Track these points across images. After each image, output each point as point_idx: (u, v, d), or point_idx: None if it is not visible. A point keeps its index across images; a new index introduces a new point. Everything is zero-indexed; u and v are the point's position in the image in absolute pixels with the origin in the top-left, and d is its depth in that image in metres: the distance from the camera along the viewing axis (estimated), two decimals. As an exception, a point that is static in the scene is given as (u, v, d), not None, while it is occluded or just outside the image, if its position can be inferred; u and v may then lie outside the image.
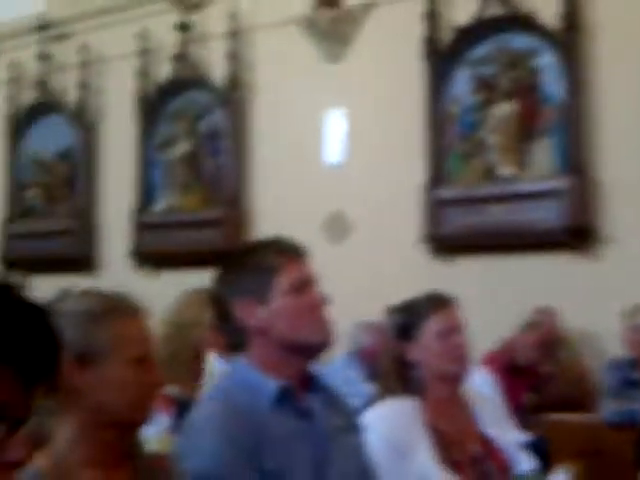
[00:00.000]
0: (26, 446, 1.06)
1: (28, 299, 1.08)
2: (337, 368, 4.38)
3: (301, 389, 2.07)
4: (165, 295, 3.13)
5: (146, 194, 6.22)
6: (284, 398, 2.02)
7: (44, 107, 6.73)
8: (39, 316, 1.08)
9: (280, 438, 1.97)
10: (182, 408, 3.02)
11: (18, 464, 1.06)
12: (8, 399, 1.04)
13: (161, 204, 6.19)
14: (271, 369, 2.02)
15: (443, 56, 5.66)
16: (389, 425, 2.50)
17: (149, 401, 1.76)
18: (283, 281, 2.03)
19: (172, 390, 3.16)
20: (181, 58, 6.14)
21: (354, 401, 3.34)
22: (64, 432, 1.73)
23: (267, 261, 2.05)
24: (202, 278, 3.84)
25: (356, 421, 2.24)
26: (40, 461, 1.70)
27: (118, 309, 1.75)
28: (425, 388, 2.61)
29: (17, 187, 6.79)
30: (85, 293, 1.84)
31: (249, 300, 2.02)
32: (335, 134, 5.72)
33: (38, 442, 1.76)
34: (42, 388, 1.08)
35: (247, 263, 2.08)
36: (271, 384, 2.01)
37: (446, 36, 5.67)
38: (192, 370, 3.30)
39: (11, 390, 1.04)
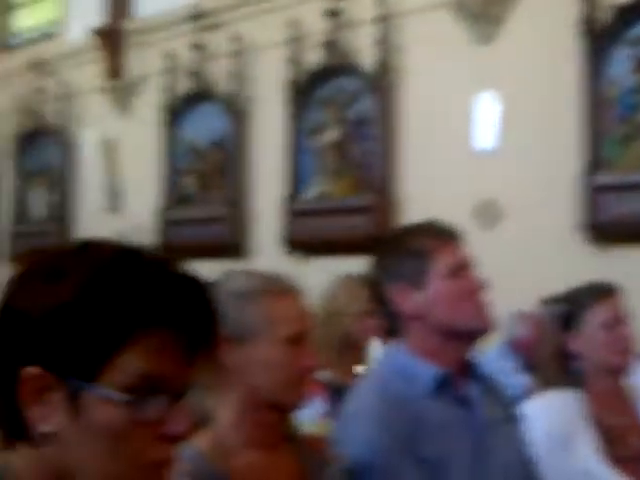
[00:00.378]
0: (187, 420, 1.06)
1: (188, 271, 1.09)
2: (491, 358, 4.29)
3: (459, 376, 2.02)
4: (315, 282, 3.13)
5: (296, 181, 6.27)
6: (442, 385, 1.97)
7: (198, 96, 6.89)
8: (199, 287, 1.09)
9: (438, 426, 1.93)
10: (336, 394, 3.02)
11: (179, 438, 1.06)
12: (170, 370, 1.05)
13: (311, 191, 6.22)
14: (428, 355, 1.97)
15: (601, 36, 5.43)
16: (550, 417, 2.42)
17: (302, 383, 1.74)
18: (439, 265, 1.98)
19: (325, 376, 3.17)
20: (330, 45, 6.15)
21: (508, 392, 3.26)
22: (224, 413, 1.74)
23: (423, 245, 2.01)
24: (352, 265, 3.84)
25: (516, 411, 2.17)
26: (201, 441, 1.72)
27: (270, 288, 1.74)
28: (587, 380, 2.51)
29: (173, 175, 6.98)
30: (240, 273, 1.85)
31: (405, 285, 1.99)
32: (486, 118, 5.60)
33: (197, 418, 1.79)
34: (201, 361, 1.09)
35: (402, 247, 2.04)
36: (429, 371, 1.96)
37: (604, 15, 5.44)
38: (344, 357, 3.29)
39: (173, 361, 1.05)
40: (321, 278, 3.63)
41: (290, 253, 6.26)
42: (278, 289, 1.75)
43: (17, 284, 1.08)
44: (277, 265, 5.50)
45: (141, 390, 1.03)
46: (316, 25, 6.22)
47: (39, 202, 8.12)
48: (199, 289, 1.08)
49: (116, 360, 1.03)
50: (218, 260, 6.04)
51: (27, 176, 8.20)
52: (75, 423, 1.03)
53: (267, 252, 6.38)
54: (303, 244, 6.20)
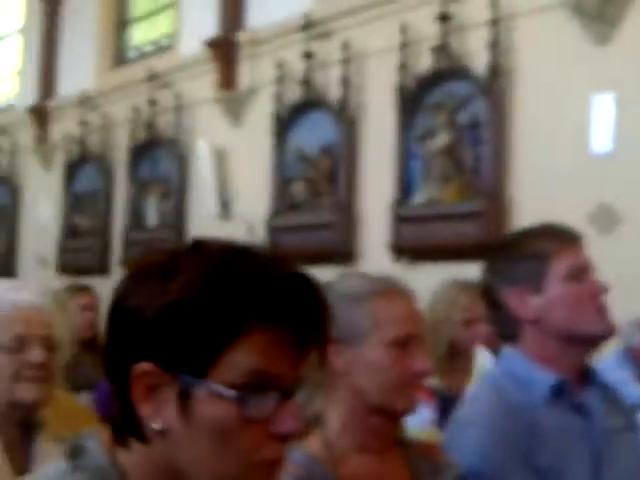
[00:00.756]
0: (297, 419, 1.04)
1: (298, 269, 1.08)
2: (608, 366, 4.16)
3: (577, 383, 1.95)
4: (423, 288, 3.09)
5: (405, 187, 6.23)
6: (559, 393, 1.91)
7: (308, 104, 6.93)
8: (310, 284, 1.08)
9: (554, 434, 1.87)
10: (443, 402, 2.98)
11: (289, 437, 1.05)
12: (280, 367, 1.04)
13: (420, 197, 6.17)
14: (545, 361, 1.91)
15: None
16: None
17: (411, 388, 1.70)
18: (559, 267, 1.92)
19: (434, 383, 3.13)
20: (441, 49, 6.08)
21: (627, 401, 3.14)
22: (334, 416, 1.73)
23: (541, 247, 1.95)
24: (461, 271, 3.77)
25: (636, 421, 2.08)
26: (311, 444, 1.71)
27: (378, 290, 1.71)
28: None
29: (283, 182, 7.04)
30: (351, 275, 1.84)
31: (522, 289, 1.93)
32: (603, 120, 5.43)
33: (308, 419, 1.78)
34: (311, 359, 1.07)
35: (520, 250, 1.99)
36: (546, 377, 1.90)
37: None
38: (451, 365, 3.24)
39: (283, 358, 1.04)
40: (429, 285, 3.59)
41: (398, 259, 6.22)
42: (385, 291, 1.72)
43: (129, 284, 1.10)
44: (384, 271, 5.43)
45: (251, 387, 1.02)
46: (427, 30, 6.17)
47: (153, 211, 8.32)
48: (310, 286, 1.07)
49: (227, 356, 1.02)
50: (327, 266, 6.06)
51: (141, 185, 8.41)
52: (186, 420, 1.03)
53: (375, 258, 6.35)
54: (411, 250, 6.15)
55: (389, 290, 1.72)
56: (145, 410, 1.05)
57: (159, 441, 1.05)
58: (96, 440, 1.11)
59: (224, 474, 1.04)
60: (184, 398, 1.03)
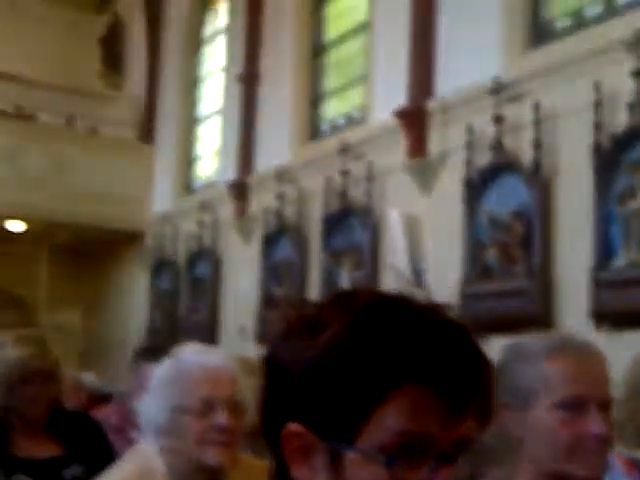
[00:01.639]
0: None
1: (454, 320, 1.00)
2: None
3: None
4: (627, 356, 2.90)
5: (605, 250, 5.96)
6: None
7: (500, 168, 6.83)
8: (466, 337, 0.99)
9: None
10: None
11: None
12: (433, 429, 0.96)
13: (621, 260, 5.88)
14: None
15: None
16: None
17: (590, 455, 1.55)
18: None
19: (634, 454, 2.90)
20: (638, 106, 5.84)
21: None
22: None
23: None
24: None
25: None
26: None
27: (550, 349, 1.61)
28: None
29: (475, 248, 6.93)
30: (531, 337, 1.75)
31: None
32: None
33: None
34: (471, 420, 0.99)
35: None
36: None
37: None
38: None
39: (436, 418, 0.96)
40: (633, 352, 3.37)
41: (599, 326, 5.92)
42: (558, 349, 1.61)
43: (278, 340, 1.06)
44: (585, 338, 5.12)
45: (403, 450, 0.95)
46: (622, 86, 5.95)
47: (346, 280, 8.40)
48: (467, 341, 0.98)
49: (375, 417, 0.95)
50: (521, 334, 5.85)
51: (335, 255, 8.54)
52: None
53: (574, 326, 6.07)
54: (614, 316, 5.84)
55: (562, 348, 1.61)
56: (297, 472, 1.00)
57: None
58: None
59: None
60: (334, 462, 0.98)
